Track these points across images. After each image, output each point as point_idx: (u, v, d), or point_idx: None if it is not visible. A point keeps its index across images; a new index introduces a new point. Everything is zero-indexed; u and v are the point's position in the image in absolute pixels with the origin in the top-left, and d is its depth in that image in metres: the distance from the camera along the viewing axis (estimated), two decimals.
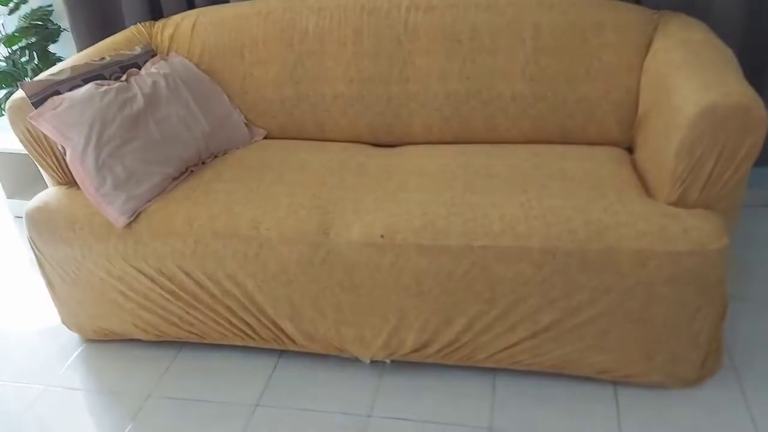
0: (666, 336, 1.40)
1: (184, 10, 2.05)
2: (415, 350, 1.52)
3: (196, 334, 1.64)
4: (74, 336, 1.82)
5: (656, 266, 1.31)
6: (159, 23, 2.01)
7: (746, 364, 1.53)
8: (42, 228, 1.61)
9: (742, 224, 1.97)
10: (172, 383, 1.63)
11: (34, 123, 1.52)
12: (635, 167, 1.58)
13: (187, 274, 1.53)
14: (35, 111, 1.52)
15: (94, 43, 1.97)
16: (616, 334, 1.41)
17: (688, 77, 1.38)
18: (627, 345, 1.42)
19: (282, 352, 1.68)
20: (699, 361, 1.44)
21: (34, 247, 1.65)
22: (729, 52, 1.50)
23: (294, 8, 1.86)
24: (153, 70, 1.74)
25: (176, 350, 1.73)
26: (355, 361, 1.61)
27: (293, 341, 1.59)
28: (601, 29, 1.67)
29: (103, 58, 1.73)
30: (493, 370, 1.57)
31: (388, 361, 1.59)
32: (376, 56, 1.78)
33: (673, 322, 1.38)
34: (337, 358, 1.63)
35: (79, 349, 1.78)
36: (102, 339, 1.78)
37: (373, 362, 1.60)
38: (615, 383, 1.50)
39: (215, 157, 1.77)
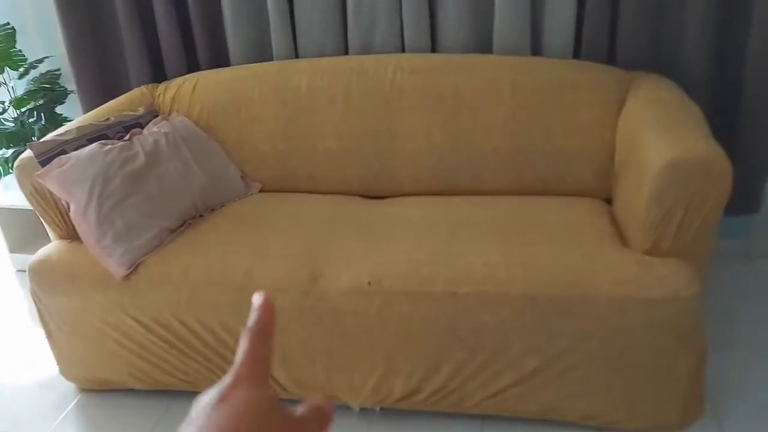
0: (647, 382, 1.43)
1: (186, 74, 2.17)
2: (404, 397, 1.55)
3: (189, 383, 1.68)
4: (71, 386, 1.85)
5: (633, 313, 1.36)
6: (162, 86, 2.13)
7: (728, 411, 1.56)
8: (44, 280, 1.67)
9: (719, 274, 2.03)
10: None
11: (41, 181, 1.60)
12: (613, 218, 1.65)
13: (182, 323, 1.58)
14: (42, 170, 1.60)
15: (99, 105, 2.08)
16: (598, 381, 1.44)
17: (657, 134, 1.47)
18: (609, 391, 1.45)
19: None
20: (681, 407, 1.47)
21: (35, 298, 1.71)
22: (696, 110, 1.59)
23: (288, 70, 1.98)
24: (155, 129, 1.83)
25: (170, 400, 1.75)
26: (346, 408, 1.64)
27: (284, 389, 1.62)
28: (576, 88, 1.77)
29: (107, 119, 1.83)
30: (482, 417, 1.59)
31: (377, 408, 1.61)
32: (364, 113, 1.89)
33: (654, 369, 1.42)
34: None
35: (75, 400, 1.80)
36: (98, 389, 1.81)
37: (362, 410, 1.63)
38: (600, 430, 1.53)
39: (212, 210, 1.85)
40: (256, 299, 0.40)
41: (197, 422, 0.33)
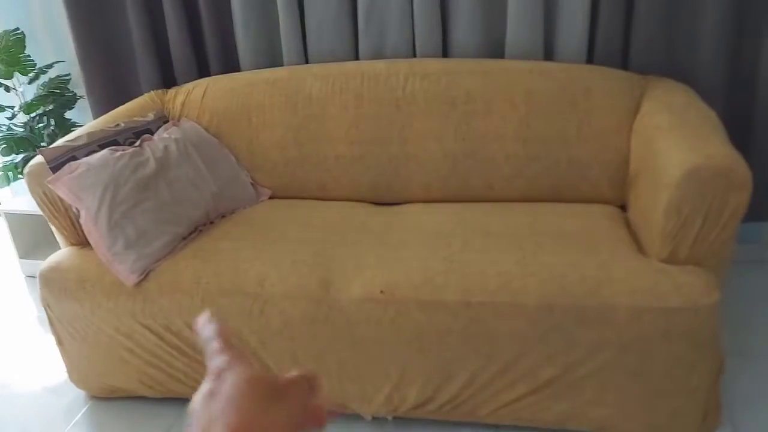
0: (664, 391, 1.41)
1: (196, 79, 2.16)
2: (417, 406, 1.53)
3: None
4: (81, 394, 1.84)
5: (650, 322, 1.34)
6: (171, 91, 2.12)
7: (746, 419, 1.54)
8: (54, 287, 1.66)
9: (736, 280, 2.01)
10: None
11: (51, 187, 1.59)
12: (628, 225, 1.63)
13: (194, 330, 1.57)
14: (53, 176, 1.60)
15: (109, 110, 2.07)
16: (615, 390, 1.42)
17: (673, 140, 1.45)
18: (626, 400, 1.43)
19: None
20: (699, 416, 1.45)
21: (45, 305, 1.70)
22: (712, 114, 1.57)
23: (299, 76, 1.97)
24: (165, 135, 1.83)
25: (180, 408, 1.74)
26: (357, 417, 1.62)
27: None
28: (589, 94, 1.75)
29: (117, 125, 1.82)
30: (495, 427, 1.58)
31: (389, 417, 1.60)
32: (376, 120, 1.87)
33: (671, 378, 1.40)
34: (340, 415, 1.64)
35: (85, 407, 1.80)
36: (108, 396, 1.80)
37: (375, 419, 1.61)
38: None
39: (223, 216, 1.84)
40: (200, 322, 0.44)
41: (198, 420, 0.35)
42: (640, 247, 1.50)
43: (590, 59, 1.91)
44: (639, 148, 1.66)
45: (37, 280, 1.68)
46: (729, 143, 1.40)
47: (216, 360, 0.40)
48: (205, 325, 0.43)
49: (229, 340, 0.42)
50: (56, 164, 1.62)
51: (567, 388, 1.43)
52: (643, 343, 1.36)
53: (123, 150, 1.69)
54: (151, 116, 1.94)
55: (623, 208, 1.74)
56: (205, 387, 0.38)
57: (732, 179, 1.30)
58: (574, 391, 1.43)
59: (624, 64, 1.90)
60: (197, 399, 0.37)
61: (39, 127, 2.39)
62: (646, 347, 1.36)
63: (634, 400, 1.43)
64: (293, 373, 0.42)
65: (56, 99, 2.40)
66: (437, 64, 1.89)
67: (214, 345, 0.41)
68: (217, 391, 0.37)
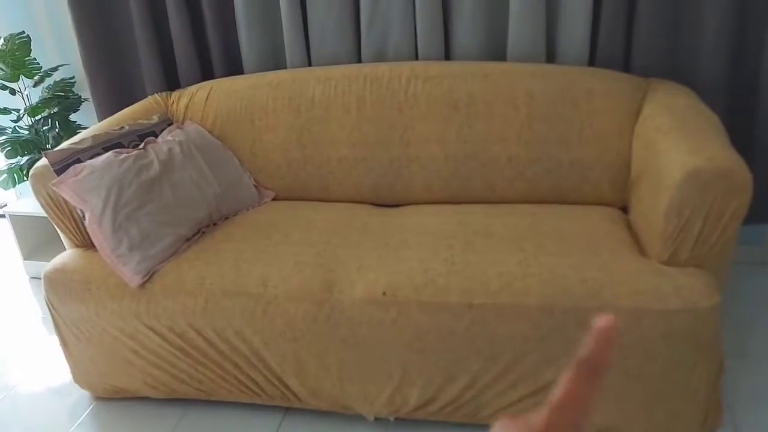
0: (665, 393, 1.42)
1: (200, 82, 2.17)
2: (419, 407, 1.54)
3: (204, 392, 1.68)
4: (85, 394, 1.85)
5: (650, 324, 1.34)
6: (175, 94, 2.14)
7: (747, 421, 1.54)
8: (59, 288, 1.67)
9: (736, 281, 2.01)
10: None
11: (56, 189, 1.60)
12: (630, 227, 1.63)
13: (197, 332, 1.58)
14: (57, 178, 1.61)
15: (114, 113, 2.09)
16: (615, 392, 1.43)
17: (674, 142, 1.46)
18: (627, 402, 1.44)
19: (287, 409, 1.71)
20: (699, 418, 1.46)
21: (50, 306, 1.71)
22: (714, 117, 1.58)
23: (301, 78, 1.98)
24: (169, 137, 1.84)
25: (184, 408, 1.75)
26: (360, 418, 1.63)
27: (298, 398, 1.61)
28: (591, 96, 1.76)
29: (122, 128, 1.83)
30: None
31: (391, 418, 1.61)
32: (378, 122, 1.88)
33: (671, 379, 1.40)
34: (342, 415, 1.65)
35: (90, 408, 1.81)
36: (112, 397, 1.81)
37: (377, 419, 1.62)
38: None
39: (226, 218, 1.85)
40: (599, 322, 0.32)
41: None
42: (641, 249, 1.50)
43: (592, 62, 1.92)
44: (640, 150, 1.66)
45: (42, 281, 1.69)
46: (730, 145, 1.41)
47: (554, 403, 0.32)
48: (589, 337, 0.32)
49: (593, 381, 0.32)
50: (61, 167, 1.63)
51: None
52: (643, 345, 1.37)
53: (127, 152, 1.70)
54: (155, 119, 1.95)
55: (625, 210, 1.74)
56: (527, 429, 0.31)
57: (732, 181, 1.31)
58: None
59: (626, 67, 1.91)
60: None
61: (44, 130, 2.41)
62: (647, 349, 1.37)
63: (635, 402, 1.43)
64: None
65: (61, 102, 2.42)
66: (439, 67, 1.90)
67: (569, 379, 0.32)
68: None
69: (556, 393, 0.31)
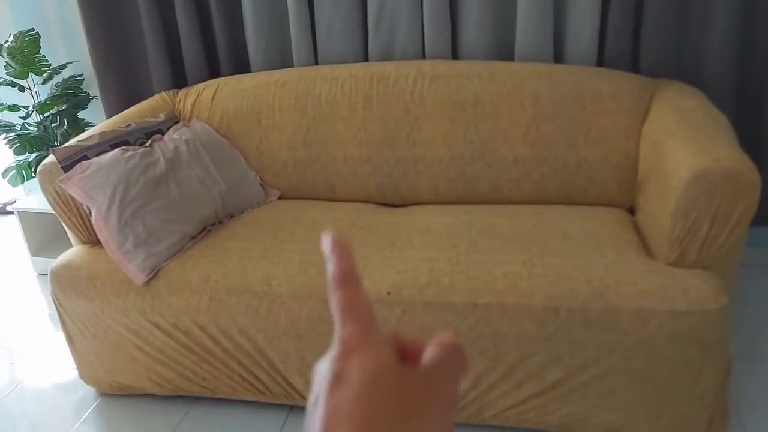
0: (671, 395, 1.41)
1: (207, 80, 2.18)
2: None
3: (208, 389, 1.68)
4: (90, 390, 1.86)
5: (657, 325, 1.33)
6: (182, 92, 2.14)
7: (754, 423, 1.53)
8: (65, 284, 1.68)
9: (746, 284, 1.99)
10: None
11: (63, 186, 1.61)
12: (637, 228, 1.62)
13: (202, 329, 1.58)
14: (65, 175, 1.62)
15: (122, 110, 2.10)
16: (621, 393, 1.42)
17: (682, 143, 1.45)
18: (633, 404, 1.43)
19: (291, 407, 1.71)
20: (706, 421, 1.44)
21: (56, 302, 1.72)
22: (723, 118, 1.57)
23: (308, 77, 1.98)
24: (175, 135, 1.84)
25: (188, 405, 1.76)
26: None
27: (302, 396, 1.61)
28: (598, 97, 1.75)
29: (128, 125, 1.84)
30: (501, 429, 1.57)
31: None
32: (384, 121, 1.88)
33: (678, 381, 1.39)
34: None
35: (95, 404, 1.82)
36: (117, 393, 1.82)
37: None
38: None
39: (232, 216, 1.85)
40: (325, 241, 0.34)
41: (320, 407, 0.30)
42: (647, 251, 1.50)
43: (600, 62, 1.91)
44: (648, 150, 1.65)
45: (48, 277, 1.70)
46: (738, 146, 1.40)
47: (343, 330, 0.32)
48: (327, 260, 0.34)
49: (355, 288, 0.33)
50: (68, 163, 1.64)
51: (573, 391, 1.43)
52: (649, 347, 1.36)
53: (133, 150, 1.71)
54: (161, 117, 1.96)
55: (631, 211, 1.73)
56: (331, 363, 0.31)
57: (740, 182, 1.29)
58: (580, 394, 1.43)
59: (634, 67, 1.90)
60: (322, 375, 0.31)
61: (52, 127, 2.42)
62: (653, 351, 1.36)
63: (641, 404, 1.42)
64: (435, 349, 0.32)
65: (69, 99, 2.43)
66: (446, 67, 1.90)
67: (336, 298, 0.33)
68: (343, 377, 0.30)
69: (335, 314, 0.33)
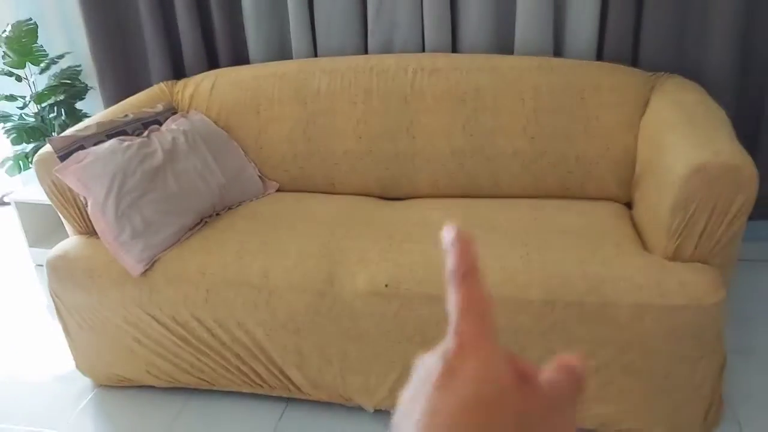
0: (667, 389, 1.41)
1: (206, 71, 2.17)
2: None
3: (206, 381, 1.68)
4: (87, 382, 1.86)
5: (653, 319, 1.34)
6: (180, 83, 2.13)
7: (749, 417, 1.53)
8: (62, 275, 1.67)
9: (742, 278, 1.99)
10: (181, 430, 1.65)
11: (59, 176, 1.61)
12: (634, 222, 1.62)
13: (199, 321, 1.58)
14: (61, 164, 1.61)
15: (120, 100, 2.09)
16: (617, 386, 1.42)
17: (680, 137, 1.45)
18: (629, 397, 1.43)
19: (289, 400, 1.71)
20: (701, 414, 1.45)
21: (53, 294, 1.72)
22: (721, 113, 1.56)
23: (307, 69, 1.97)
24: (173, 126, 1.84)
25: (186, 397, 1.76)
26: (360, 409, 1.63)
27: (300, 389, 1.62)
28: (598, 90, 1.75)
29: (126, 116, 1.83)
30: None
31: (392, 410, 1.60)
32: (384, 115, 1.88)
33: (673, 375, 1.39)
34: (343, 407, 1.65)
35: (92, 395, 1.82)
36: (115, 385, 1.82)
37: (376, 411, 1.62)
38: None
39: (230, 208, 1.85)
40: (447, 235, 0.32)
41: (419, 404, 0.27)
42: (645, 245, 1.50)
43: (600, 56, 1.91)
44: (646, 144, 1.65)
45: (45, 268, 1.70)
46: (736, 141, 1.40)
47: (460, 327, 0.30)
48: (447, 253, 0.32)
49: (477, 284, 0.31)
50: (64, 153, 1.63)
51: None
52: (645, 341, 1.36)
53: (131, 140, 1.70)
54: (159, 107, 1.95)
55: (629, 206, 1.73)
56: (443, 357, 0.28)
57: (739, 176, 1.29)
58: None
59: (634, 62, 1.89)
60: (429, 369, 0.28)
61: (50, 117, 2.41)
62: (650, 344, 1.36)
63: (637, 398, 1.43)
64: (556, 372, 0.29)
65: (67, 89, 2.42)
66: (446, 60, 1.89)
67: (456, 295, 0.31)
68: (453, 380, 0.27)
69: (454, 311, 0.30)
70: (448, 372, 0.27)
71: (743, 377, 1.65)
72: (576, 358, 0.30)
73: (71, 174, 1.60)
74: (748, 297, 1.96)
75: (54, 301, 1.73)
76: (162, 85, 2.14)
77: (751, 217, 1.38)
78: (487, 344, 0.29)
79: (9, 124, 2.34)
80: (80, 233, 1.77)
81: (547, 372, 0.30)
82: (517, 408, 0.27)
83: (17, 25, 2.29)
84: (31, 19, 2.34)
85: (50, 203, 1.76)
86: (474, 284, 0.31)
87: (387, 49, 2.04)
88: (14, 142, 2.34)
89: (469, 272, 0.31)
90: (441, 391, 0.27)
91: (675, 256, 1.40)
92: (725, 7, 1.76)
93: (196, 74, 2.17)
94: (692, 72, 1.84)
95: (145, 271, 1.59)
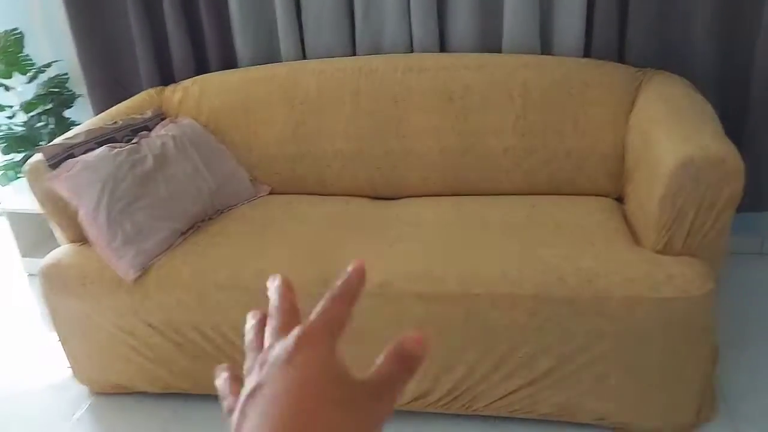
0: (660, 382, 1.42)
1: (195, 76, 2.17)
2: (416, 398, 1.55)
3: (200, 386, 1.68)
4: (83, 389, 1.85)
5: (644, 312, 1.35)
6: (169, 88, 2.13)
7: (742, 409, 1.54)
8: (54, 284, 1.67)
9: (733, 271, 2.01)
10: None
11: (50, 184, 1.60)
12: (625, 217, 1.64)
13: (193, 326, 1.58)
14: (52, 173, 1.61)
15: (109, 107, 2.08)
16: (611, 381, 1.43)
17: (668, 131, 1.46)
18: (622, 391, 1.44)
19: None
20: (695, 407, 1.46)
21: (47, 302, 1.71)
22: (708, 107, 1.58)
23: (296, 71, 1.98)
24: (162, 132, 1.84)
25: (180, 403, 1.75)
26: None
27: None
28: (586, 87, 1.76)
29: (115, 122, 1.83)
30: (493, 419, 1.59)
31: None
32: (373, 115, 1.88)
33: (666, 368, 1.40)
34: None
35: (88, 403, 1.81)
36: (110, 392, 1.81)
37: None
38: (613, 430, 1.52)
39: (221, 212, 1.85)
40: (351, 265, 0.37)
41: (266, 384, 0.31)
42: (636, 239, 1.51)
43: (587, 53, 1.92)
44: (635, 140, 1.66)
45: (37, 276, 1.69)
46: (723, 134, 1.41)
47: (310, 320, 0.34)
48: (341, 276, 0.36)
49: (343, 304, 0.35)
50: (55, 162, 1.63)
51: (563, 380, 1.44)
52: (637, 334, 1.37)
53: (120, 147, 1.70)
54: (148, 113, 1.95)
55: (620, 200, 1.74)
56: (285, 345, 0.32)
57: (725, 169, 1.31)
58: (571, 382, 1.44)
59: (621, 58, 1.90)
60: (273, 354, 0.32)
61: (38, 126, 2.40)
62: (641, 337, 1.37)
63: (630, 391, 1.44)
64: (389, 361, 0.33)
65: (55, 98, 2.41)
66: (434, 59, 1.90)
67: (321, 304, 0.35)
68: (292, 363, 0.32)
69: (313, 313, 0.35)
70: (289, 358, 0.32)
71: (736, 371, 1.66)
72: (411, 340, 0.33)
73: (62, 182, 1.60)
74: (739, 291, 1.98)
75: (48, 309, 1.72)
76: (151, 90, 2.13)
77: (738, 209, 1.39)
78: (320, 347, 0.33)
79: None
80: (72, 241, 1.77)
81: (379, 361, 0.33)
82: (343, 388, 0.31)
83: (3, 35, 2.28)
84: (17, 29, 2.33)
85: (42, 212, 1.76)
86: (341, 305, 0.36)
87: (375, 50, 2.04)
88: (3, 152, 2.33)
89: (345, 294, 0.36)
90: (282, 372, 0.31)
91: (665, 250, 1.41)
92: (708, 1, 1.78)
93: (184, 79, 2.17)
94: (678, 67, 1.85)
95: (138, 277, 1.59)
